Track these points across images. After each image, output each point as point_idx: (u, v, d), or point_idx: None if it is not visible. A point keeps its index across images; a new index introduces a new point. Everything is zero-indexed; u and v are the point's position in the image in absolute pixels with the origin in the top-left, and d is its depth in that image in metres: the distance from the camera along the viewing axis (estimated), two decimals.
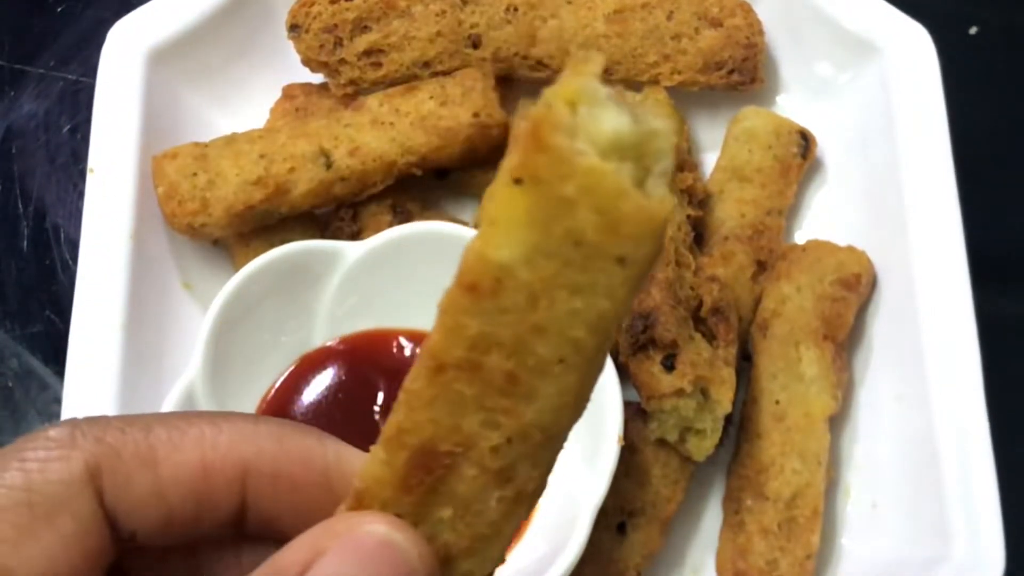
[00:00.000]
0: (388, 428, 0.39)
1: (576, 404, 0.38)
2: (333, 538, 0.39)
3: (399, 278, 0.89)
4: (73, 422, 0.44)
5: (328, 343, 0.91)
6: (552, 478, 0.90)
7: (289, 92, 1.02)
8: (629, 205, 0.33)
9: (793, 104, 1.04)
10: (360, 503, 0.40)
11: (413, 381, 0.38)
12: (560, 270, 0.35)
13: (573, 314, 0.35)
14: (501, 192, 0.34)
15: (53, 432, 0.43)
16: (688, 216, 0.93)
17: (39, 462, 0.42)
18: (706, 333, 0.87)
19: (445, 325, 0.37)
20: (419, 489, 0.39)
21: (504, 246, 0.34)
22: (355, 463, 0.46)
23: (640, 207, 0.33)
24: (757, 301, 0.95)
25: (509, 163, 0.34)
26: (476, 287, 0.35)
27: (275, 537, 0.48)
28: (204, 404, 0.83)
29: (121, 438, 0.43)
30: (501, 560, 0.42)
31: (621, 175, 0.33)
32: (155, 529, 0.44)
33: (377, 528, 0.39)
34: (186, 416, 0.46)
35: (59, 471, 0.42)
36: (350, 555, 0.39)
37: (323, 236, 0.95)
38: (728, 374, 0.85)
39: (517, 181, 0.33)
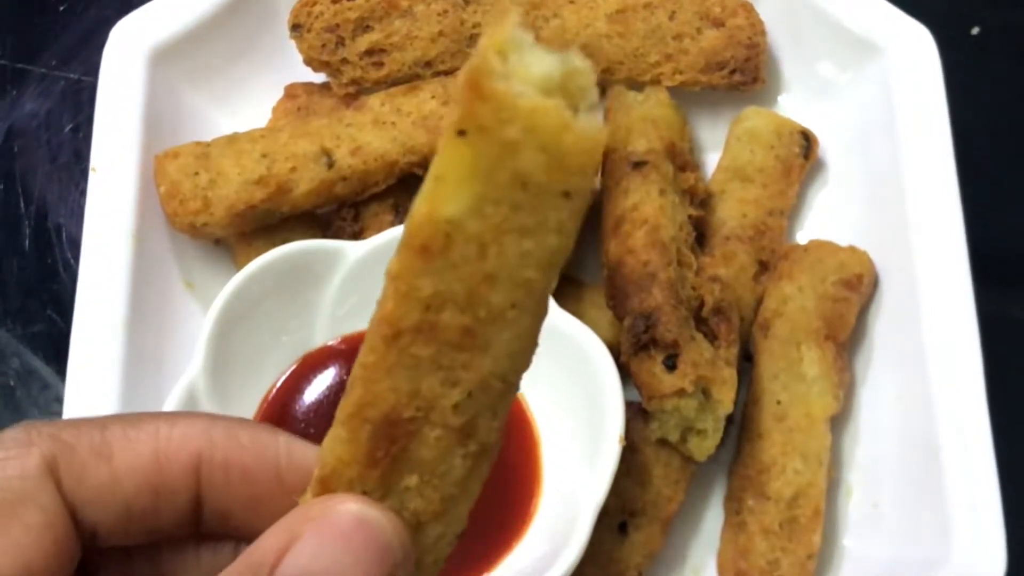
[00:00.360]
0: (345, 407, 0.40)
1: (530, 346, 0.39)
2: (307, 522, 0.39)
3: None
4: (29, 423, 0.45)
5: (329, 342, 0.91)
6: (553, 478, 0.90)
7: (291, 91, 1.02)
8: (571, 137, 0.34)
9: (795, 104, 1.04)
10: (326, 487, 0.40)
11: (367, 355, 0.39)
12: (508, 215, 0.36)
13: (524, 256, 0.36)
14: (446, 147, 0.35)
15: (9, 433, 0.44)
16: (690, 216, 0.93)
17: (1, 460, 0.43)
18: (707, 333, 0.87)
19: (399, 291, 0.37)
20: (384, 461, 0.39)
21: (451, 200, 0.35)
22: (307, 455, 0.47)
23: (582, 137, 0.34)
24: (759, 301, 0.95)
25: (451, 118, 0.35)
26: (427, 247, 0.36)
27: (232, 535, 0.48)
28: (206, 403, 0.83)
29: (76, 434, 0.45)
30: (464, 521, 0.42)
31: (563, 109, 0.34)
32: (115, 523, 0.45)
33: (350, 507, 0.39)
34: (142, 414, 0.47)
35: (18, 467, 0.43)
36: (326, 536, 0.39)
37: (325, 236, 0.95)
38: (729, 374, 0.85)
39: (461, 133, 0.34)
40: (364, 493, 0.40)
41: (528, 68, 0.34)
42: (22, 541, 0.41)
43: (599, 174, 0.97)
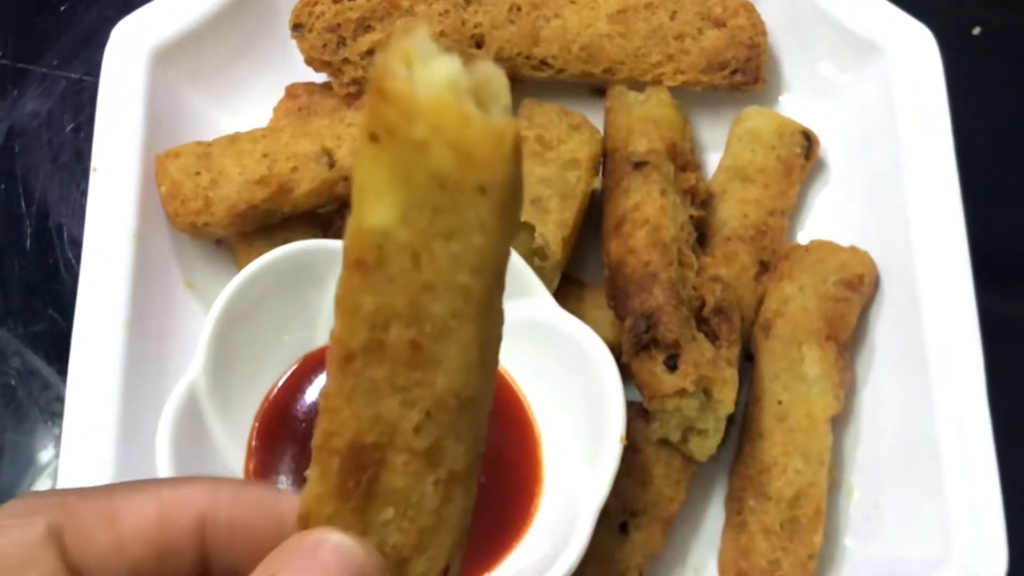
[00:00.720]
0: (315, 440, 0.40)
1: (481, 360, 0.39)
2: (285, 557, 0.40)
3: None
4: (34, 492, 0.45)
5: None
6: (553, 478, 0.90)
7: (292, 91, 1.02)
8: (476, 130, 0.34)
9: (796, 104, 1.04)
10: (306, 525, 0.41)
11: (328, 384, 0.39)
12: (432, 219, 0.36)
13: (454, 260, 0.36)
14: (361, 156, 0.35)
15: (12, 502, 0.44)
16: (691, 216, 0.93)
17: (2, 528, 0.43)
18: (709, 333, 0.87)
19: (344, 311, 0.38)
20: (357, 493, 0.40)
21: (377, 211, 0.36)
22: None
23: (487, 129, 0.34)
24: (760, 301, 0.95)
25: (361, 124, 0.35)
26: (362, 262, 0.37)
27: None
28: (207, 403, 0.83)
29: (81, 501, 0.45)
30: (454, 552, 0.42)
31: (464, 102, 0.34)
32: None
33: (326, 537, 0.40)
34: (145, 481, 0.48)
35: (21, 534, 0.43)
36: (304, 568, 0.39)
37: (325, 236, 0.95)
38: (731, 374, 0.85)
39: (373, 138, 0.35)
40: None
41: (432, 72, 0.35)
42: None
43: (600, 174, 0.97)
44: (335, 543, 0.39)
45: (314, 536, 0.40)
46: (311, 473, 0.40)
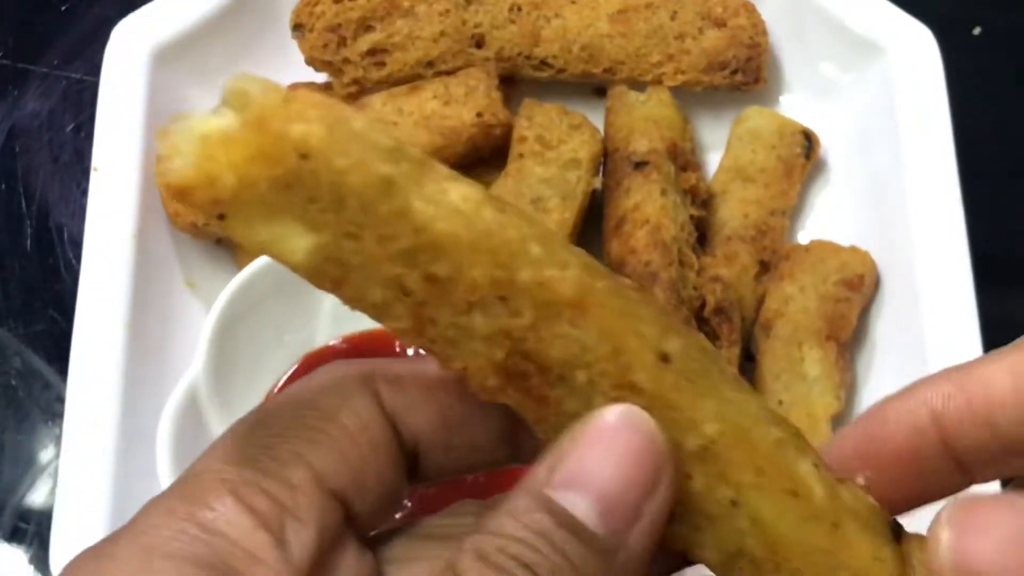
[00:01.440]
0: (484, 400, 0.40)
1: (477, 231, 0.38)
2: (572, 439, 0.40)
3: None
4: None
5: (331, 342, 0.91)
6: None
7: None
8: (247, 138, 0.36)
9: (797, 104, 1.04)
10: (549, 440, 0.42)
11: (439, 364, 0.40)
12: (318, 208, 0.36)
13: (364, 208, 0.37)
14: (231, 234, 0.37)
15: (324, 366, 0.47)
16: (691, 216, 0.93)
17: (317, 379, 0.46)
18: (709, 333, 0.87)
19: (371, 312, 0.39)
20: (544, 391, 0.40)
21: (290, 248, 0.37)
22: None
23: (250, 133, 0.36)
24: (760, 301, 0.95)
25: (205, 219, 0.37)
26: (334, 280, 0.38)
27: None
28: (207, 403, 0.83)
29: (389, 359, 0.48)
30: (651, 340, 0.40)
31: (219, 136, 0.36)
32: (434, 435, 0.46)
33: (611, 410, 0.40)
34: None
35: (336, 381, 0.45)
36: (592, 442, 0.40)
37: None
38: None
39: (220, 219, 0.36)
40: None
41: (180, 145, 0.36)
42: (341, 443, 0.43)
43: (600, 174, 0.97)
44: (618, 414, 0.40)
45: (598, 412, 0.40)
46: (520, 415, 0.41)
